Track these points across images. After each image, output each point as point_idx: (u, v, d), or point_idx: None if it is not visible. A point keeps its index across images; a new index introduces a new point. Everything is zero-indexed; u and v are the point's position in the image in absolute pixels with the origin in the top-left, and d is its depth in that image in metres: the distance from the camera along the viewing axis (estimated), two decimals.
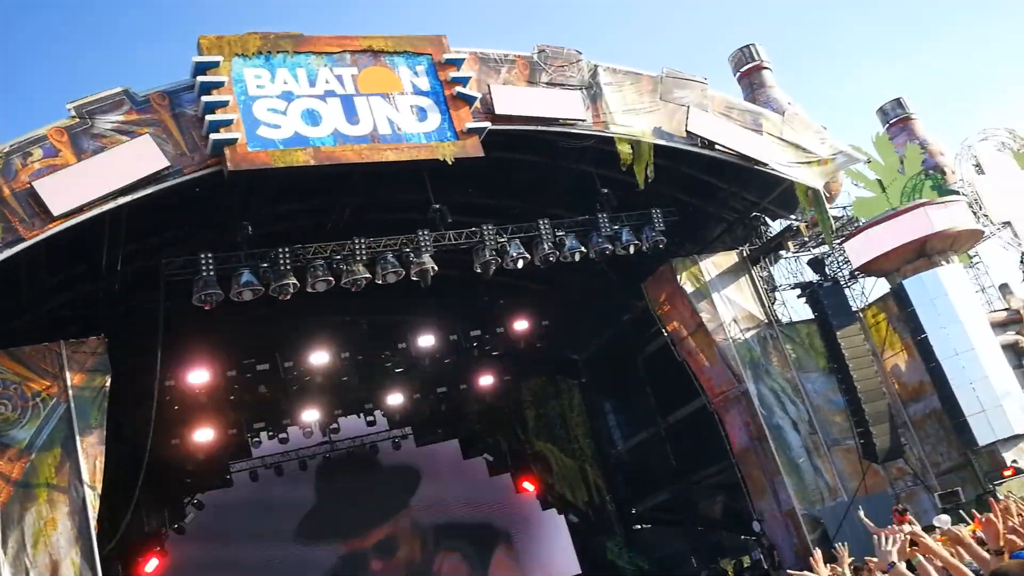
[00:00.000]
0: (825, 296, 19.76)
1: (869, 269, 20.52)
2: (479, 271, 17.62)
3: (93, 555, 14.36)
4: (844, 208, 21.31)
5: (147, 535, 22.50)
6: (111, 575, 18.24)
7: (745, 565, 22.98)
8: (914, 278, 19.62)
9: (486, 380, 26.15)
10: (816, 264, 20.88)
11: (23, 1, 66.30)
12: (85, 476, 14.72)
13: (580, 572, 26.41)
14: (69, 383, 15.13)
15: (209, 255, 15.43)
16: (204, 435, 22.62)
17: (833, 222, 20.40)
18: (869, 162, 20.65)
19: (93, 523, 14.53)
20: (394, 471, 26.83)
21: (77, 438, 14.85)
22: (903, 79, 70.11)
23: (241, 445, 24.43)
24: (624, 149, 17.37)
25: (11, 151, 13.33)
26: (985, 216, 22.12)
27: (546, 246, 17.73)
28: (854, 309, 20.64)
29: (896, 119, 26.36)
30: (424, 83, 16.10)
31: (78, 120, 13.82)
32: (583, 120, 17.09)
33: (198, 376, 20.64)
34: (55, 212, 13.20)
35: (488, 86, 16.45)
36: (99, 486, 14.89)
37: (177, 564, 23.20)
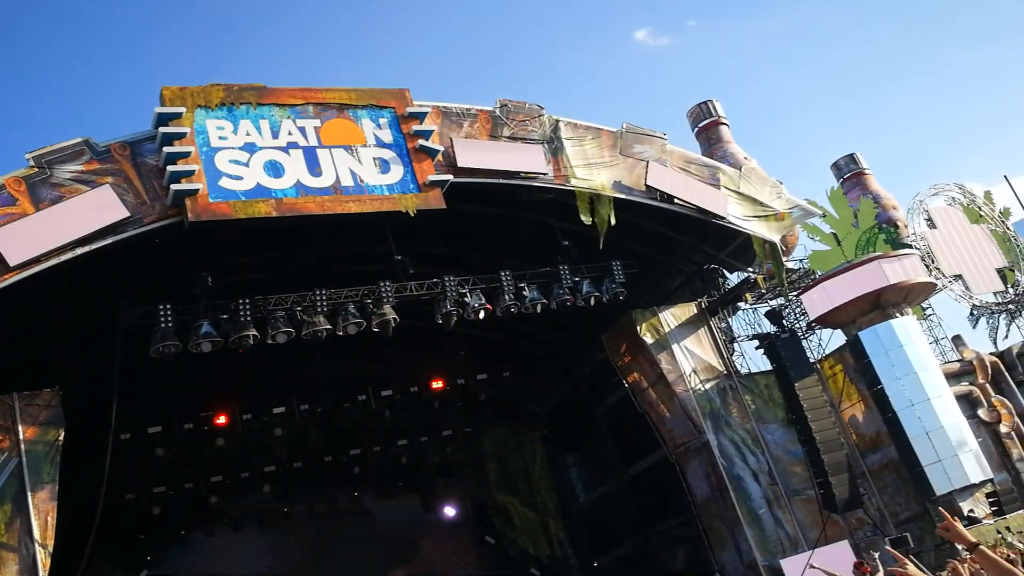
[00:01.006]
0: (783, 348, 20.00)
1: (826, 321, 20.81)
2: (440, 322, 17.62)
3: None
4: (800, 261, 21.69)
5: None
6: None
7: None
8: (869, 330, 19.92)
9: (447, 432, 25.99)
10: (773, 316, 21.17)
11: None
12: (36, 533, 14.33)
13: None
14: (21, 437, 14.78)
15: (168, 307, 15.27)
16: (159, 489, 22.17)
17: (789, 274, 20.74)
18: (824, 216, 21.05)
19: None
20: (356, 527, 26.43)
21: (28, 494, 14.47)
22: (856, 135, 71.85)
23: (198, 500, 23.95)
24: (584, 203, 17.59)
25: None
26: (937, 269, 22.63)
27: (507, 297, 17.80)
28: (811, 360, 20.90)
29: (850, 174, 27.00)
30: (387, 135, 16.23)
31: (36, 170, 13.71)
32: (544, 174, 17.31)
33: (154, 429, 20.28)
34: (11, 263, 13.03)
35: (451, 139, 16.62)
36: (50, 544, 14.48)
37: None
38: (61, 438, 15.14)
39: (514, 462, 27.74)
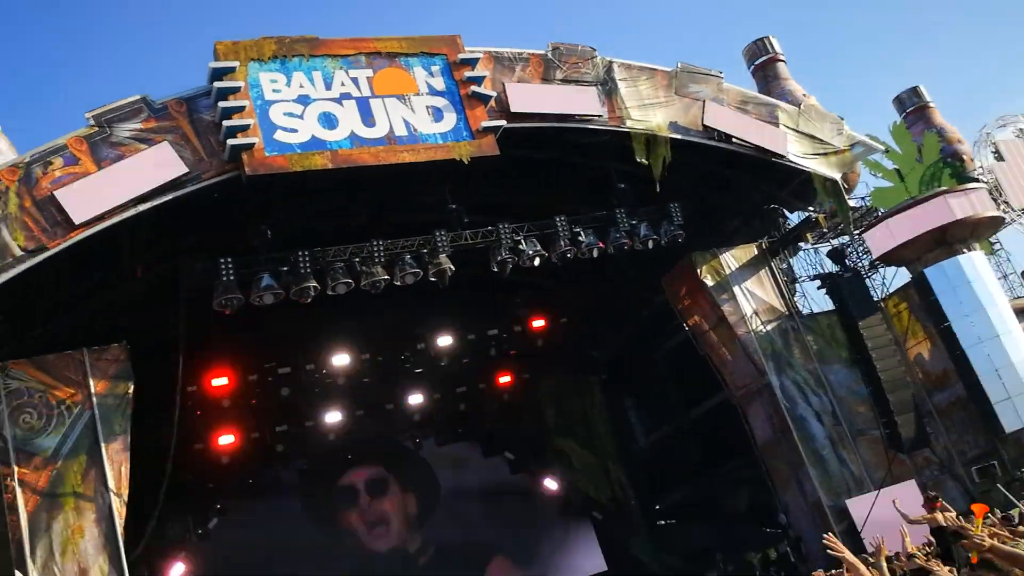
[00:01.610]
0: (845, 287, 19.67)
1: (889, 259, 20.38)
2: (496, 270, 17.61)
3: (121, 562, 14.43)
4: (862, 198, 21.20)
5: (171, 541, 22.56)
6: None
7: (771, 558, 22.85)
8: (935, 266, 19.46)
9: (505, 379, 26.14)
10: (836, 255, 20.78)
11: (38, 11, 66.69)
12: (111, 483, 14.78)
13: (605, 569, 26.33)
14: (93, 391, 15.19)
15: (229, 260, 15.48)
16: (226, 440, 22.69)
17: (851, 213, 20.29)
18: (887, 151, 20.50)
19: (120, 530, 14.59)
20: (417, 472, 26.82)
21: (102, 445, 14.91)
22: (919, 68, 69.70)
23: (264, 448, 24.47)
24: (640, 144, 17.32)
25: (32, 161, 13.41)
26: (1005, 203, 21.96)
27: (563, 243, 17.70)
28: (875, 299, 20.53)
29: (913, 108, 26.21)
30: (439, 83, 16.11)
31: (97, 129, 13.89)
32: (599, 116, 17.06)
33: (220, 381, 20.69)
34: (77, 220, 13.27)
35: (503, 84, 16.44)
36: (125, 493, 14.95)
37: (201, 570, 23.29)
38: (131, 391, 15.53)
39: (573, 407, 27.82)
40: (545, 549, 26.91)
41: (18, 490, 14.01)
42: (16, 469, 14.13)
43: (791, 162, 18.74)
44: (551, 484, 27.70)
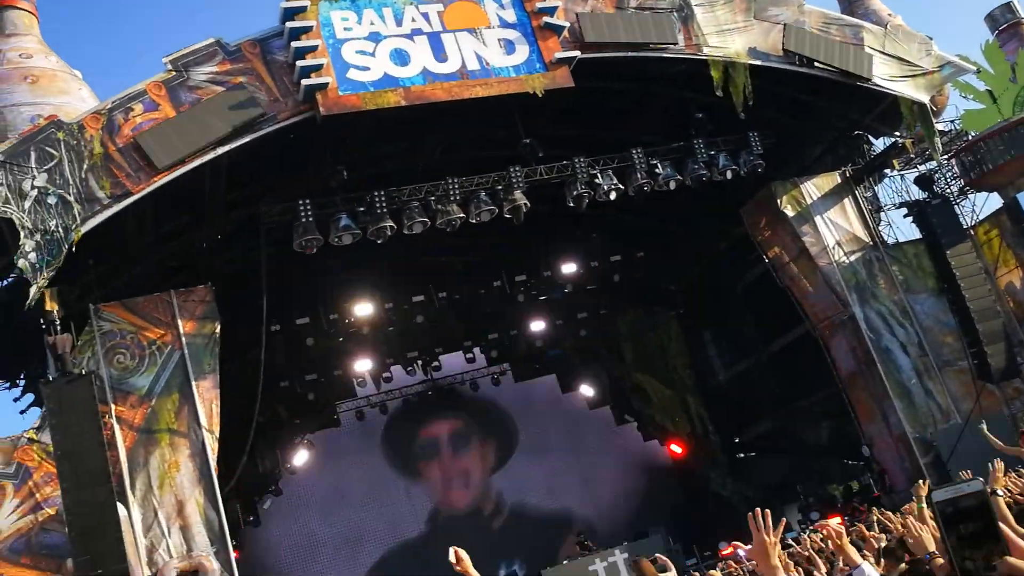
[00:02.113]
0: (933, 214, 19.03)
1: (980, 184, 19.64)
2: (572, 205, 17.47)
3: (215, 495, 14.98)
4: (952, 122, 20.37)
5: (263, 476, 23.36)
6: (231, 514, 19.02)
7: (854, 490, 22.66)
8: None
9: (582, 314, 26.14)
10: (923, 181, 20.06)
11: None
12: (203, 420, 15.28)
13: (686, 501, 26.44)
14: (182, 331, 15.63)
15: (307, 201, 15.66)
16: (310, 377, 23.25)
17: (940, 137, 19.53)
18: (978, 72, 19.62)
19: (213, 465, 15.13)
20: (497, 421, 27.14)
21: (193, 384, 15.40)
22: None
23: (347, 385, 25.03)
24: (718, 72, 16.85)
25: (113, 107, 13.67)
26: None
27: (639, 176, 17.44)
28: (964, 227, 19.83)
29: (1006, 25, 24.83)
30: (511, 15, 15.85)
31: (174, 73, 14.07)
32: (675, 43, 16.61)
33: (302, 320, 21.13)
34: (159, 165, 13.52)
35: (576, 14, 16.09)
36: (216, 430, 15.45)
37: (291, 503, 24.11)
38: (218, 331, 15.94)
39: (650, 341, 27.71)
40: (622, 485, 27.12)
41: (116, 427, 14.59)
42: (113, 407, 14.70)
43: (877, 85, 18.03)
44: (627, 417, 27.79)
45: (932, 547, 4.13)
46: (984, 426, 12.43)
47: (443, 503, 26.12)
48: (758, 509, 3.35)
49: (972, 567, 1.72)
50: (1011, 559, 1.68)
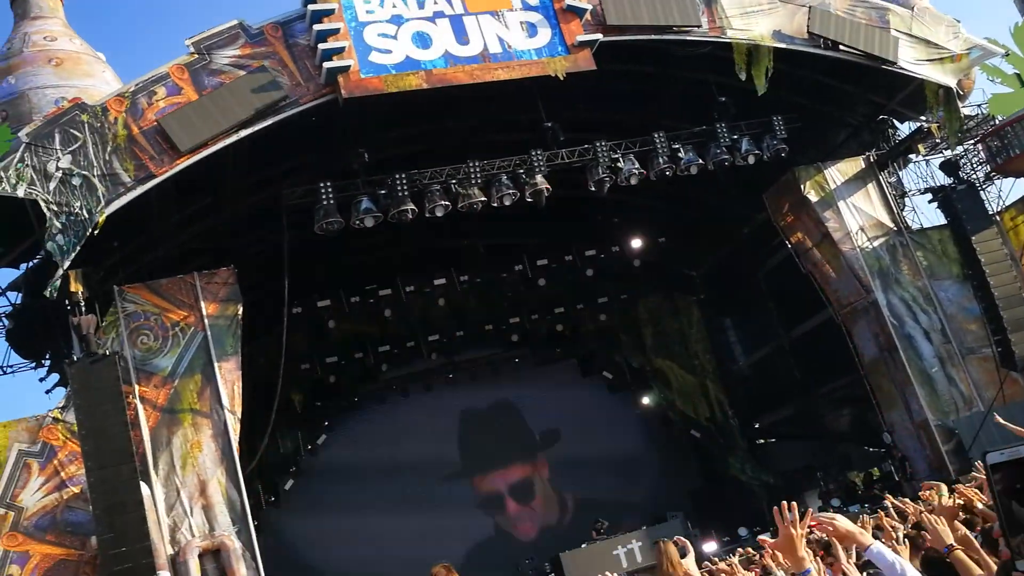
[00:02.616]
0: (959, 200, 18.86)
1: (1007, 170, 19.40)
2: (593, 189, 17.42)
3: (237, 475, 15.12)
4: (979, 106, 20.09)
5: (284, 457, 23.52)
6: (252, 494, 19.21)
7: (875, 477, 22.56)
8: None
9: (602, 299, 26.10)
10: (949, 167, 19.85)
11: None
12: (225, 401, 15.41)
13: (704, 486, 26.42)
14: (205, 313, 15.75)
15: (328, 184, 15.72)
16: (332, 359, 23.36)
17: (966, 121, 19.30)
18: (1007, 55, 19.30)
19: (235, 445, 15.27)
20: (512, 393, 27.16)
21: (215, 365, 15.51)
22: None
23: (367, 368, 25.11)
24: (741, 55, 16.73)
25: (136, 90, 13.76)
26: None
27: (661, 160, 17.37)
28: (990, 212, 19.61)
29: None
30: None
31: (197, 56, 14.14)
32: (698, 26, 16.49)
33: (323, 302, 21.24)
34: (182, 148, 13.61)
35: None
36: (238, 411, 15.58)
37: (312, 484, 24.27)
38: (240, 313, 16.05)
39: (670, 326, 27.64)
40: (640, 469, 27.11)
41: (140, 407, 14.74)
42: (137, 387, 14.85)
43: (903, 69, 17.84)
44: (648, 402, 27.75)
45: (950, 540, 4.11)
46: (997, 416, 12.36)
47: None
48: (784, 502, 3.33)
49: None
50: None
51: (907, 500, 9.29)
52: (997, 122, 19.24)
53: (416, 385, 25.98)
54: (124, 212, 13.58)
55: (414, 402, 26.09)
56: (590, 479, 26.50)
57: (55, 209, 12.93)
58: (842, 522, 3.39)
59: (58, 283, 13.06)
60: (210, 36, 14.26)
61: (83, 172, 13.22)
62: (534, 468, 26.54)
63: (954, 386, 18.60)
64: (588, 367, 27.87)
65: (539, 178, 16.62)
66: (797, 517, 3.30)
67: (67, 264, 12.97)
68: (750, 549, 13.99)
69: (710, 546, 19.26)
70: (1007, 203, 20.26)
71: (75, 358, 13.81)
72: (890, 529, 4.94)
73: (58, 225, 12.94)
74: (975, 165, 20.27)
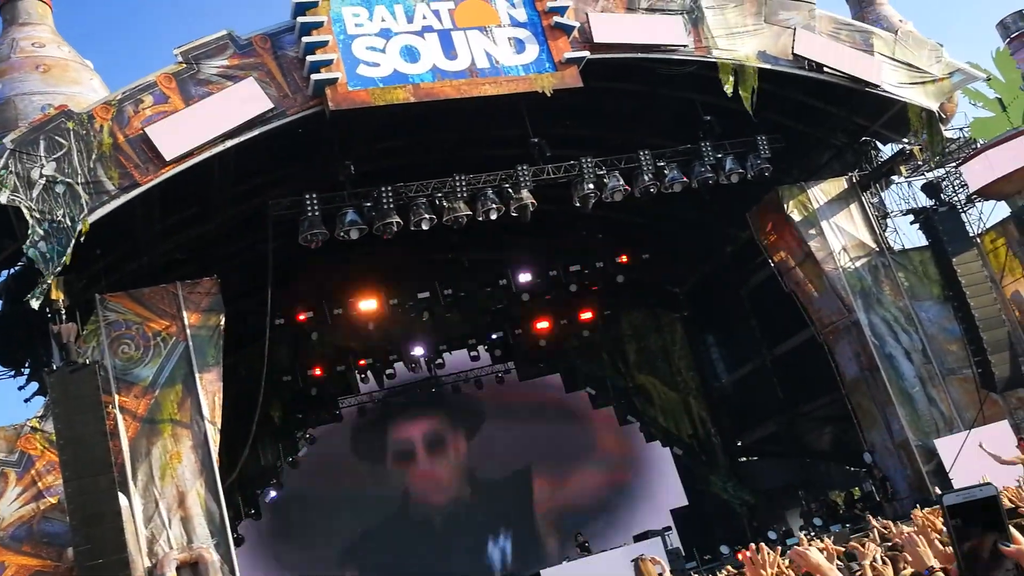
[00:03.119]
0: (940, 222, 19.02)
1: (988, 192, 19.59)
2: (578, 205, 17.48)
3: (217, 487, 15.01)
4: (961, 130, 20.31)
5: (264, 469, 23.40)
6: (232, 507, 19.09)
7: (856, 496, 22.64)
8: None
9: (586, 315, 26.17)
10: (931, 189, 20.04)
11: None
12: (205, 412, 15.31)
13: (686, 504, 26.44)
14: (187, 323, 15.66)
15: (314, 195, 15.69)
16: (314, 371, 23.30)
17: (948, 144, 19.51)
18: (988, 80, 19.56)
19: (215, 457, 15.16)
20: (499, 407, 27.17)
21: (196, 375, 15.42)
22: None
23: (349, 381, 25.06)
24: (727, 75, 16.86)
25: (123, 99, 13.73)
26: None
27: (646, 177, 17.44)
28: (971, 234, 19.80)
29: (1018, 32, 24.87)
30: (521, 14, 15.88)
31: (185, 66, 14.13)
32: (684, 46, 16.62)
33: (306, 314, 21.18)
34: (167, 157, 13.58)
35: (586, 14, 16.11)
36: (219, 421, 15.48)
37: (293, 495, 24.15)
38: (222, 323, 15.97)
39: (654, 343, 27.73)
40: (623, 486, 27.12)
41: (119, 417, 14.63)
42: (117, 397, 14.73)
43: (886, 92, 18.03)
44: (630, 418, 27.78)
45: (931, 562, 4.13)
46: (982, 444, 12.50)
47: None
48: (752, 545, 3.37)
49: (979, 565, 1.74)
50: (1013, 547, 1.71)
51: (889, 522, 9.34)
52: (979, 145, 19.45)
53: (398, 398, 25.97)
54: (108, 220, 13.52)
55: (396, 415, 26.08)
56: (573, 495, 26.52)
57: (37, 216, 12.87)
58: (813, 555, 3.41)
59: (42, 291, 12.97)
60: (198, 46, 14.25)
61: (67, 179, 13.16)
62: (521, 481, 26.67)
63: (935, 406, 18.70)
64: (571, 382, 27.90)
65: (525, 193, 16.66)
66: (767, 559, 3.33)
67: (49, 278, 12.90)
68: (730, 567, 13.98)
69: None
70: (987, 225, 20.47)
71: (55, 367, 13.73)
72: (864, 551, 4.98)
73: (40, 232, 12.87)
74: (956, 187, 20.47)
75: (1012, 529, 1.75)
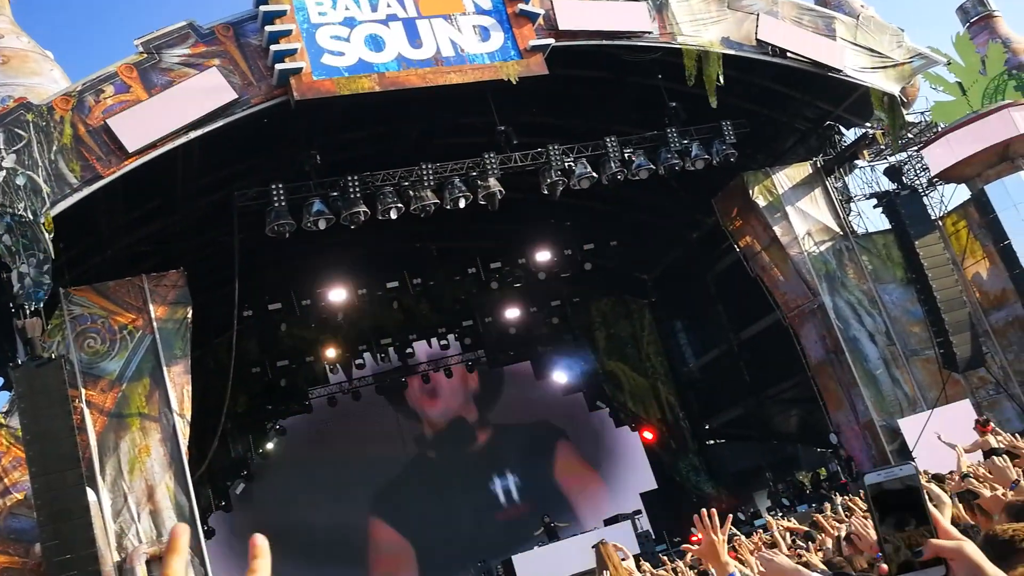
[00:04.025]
0: (902, 205, 19.26)
1: (949, 176, 19.88)
2: (546, 192, 17.52)
3: (186, 480, 14.95)
4: (922, 113, 20.57)
5: (234, 461, 23.30)
6: (202, 499, 19.01)
7: (822, 477, 22.96)
8: (996, 183, 19.00)
9: (555, 302, 26.26)
10: (893, 172, 20.30)
11: None
12: (174, 405, 15.23)
13: (656, 488, 26.68)
14: (153, 315, 15.56)
15: (280, 186, 15.59)
16: (282, 363, 23.21)
17: (910, 128, 19.76)
18: (949, 64, 19.83)
19: (184, 449, 15.09)
20: (466, 397, 27.27)
21: (164, 368, 15.33)
22: None
23: (319, 371, 24.99)
24: (691, 60, 16.94)
25: (84, 89, 13.55)
26: None
27: (613, 164, 17.49)
28: (933, 217, 20.10)
29: (977, 17, 25.11)
30: (486, 2, 15.84)
31: (146, 56, 13.95)
32: (649, 32, 16.67)
33: (275, 305, 21.08)
34: (130, 148, 13.43)
35: (551, 2, 16.08)
36: (188, 414, 15.41)
37: (264, 487, 24.07)
38: (189, 316, 15.88)
39: (622, 329, 27.90)
40: (593, 471, 27.33)
41: (86, 411, 14.51)
42: (83, 391, 14.62)
43: (848, 76, 18.21)
44: (599, 404, 27.96)
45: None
46: (940, 435, 12.79)
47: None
48: (703, 510, 3.41)
49: (898, 549, 1.74)
50: (935, 540, 1.72)
51: (857, 499, 9.50)
52: (940, 129, 19.72)
53: (368, 389, 25.92)
54: (71, 213, 13.35)
55: (366, 405, 26.03)
56: (544, 480, 26.67)
57: None
58: (780, 559, 3.45)
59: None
60: (160, 36, 14.08)
61: (27, 172, 12.98)
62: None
63: (898, 387, 18.99)
64: (541, 370, 28.02)
65: (492, 181, 16.66)
66: (717, 524, 3.37)
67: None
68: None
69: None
70: (949, 208, 20.78)
71: (19, 362, 13.54)
72: (830, 528, 5.07)
73: (2, 226, 12.70)
74: (918, 171, 20.75)
75: (937, 514, 1.75)
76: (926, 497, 1.75)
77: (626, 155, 17.62)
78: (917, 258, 18.90)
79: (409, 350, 25.56)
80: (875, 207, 20.10)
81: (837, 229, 19.81)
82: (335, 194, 15.95)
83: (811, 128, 20.34)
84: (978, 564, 1.69)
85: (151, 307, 15.58)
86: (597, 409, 27.99)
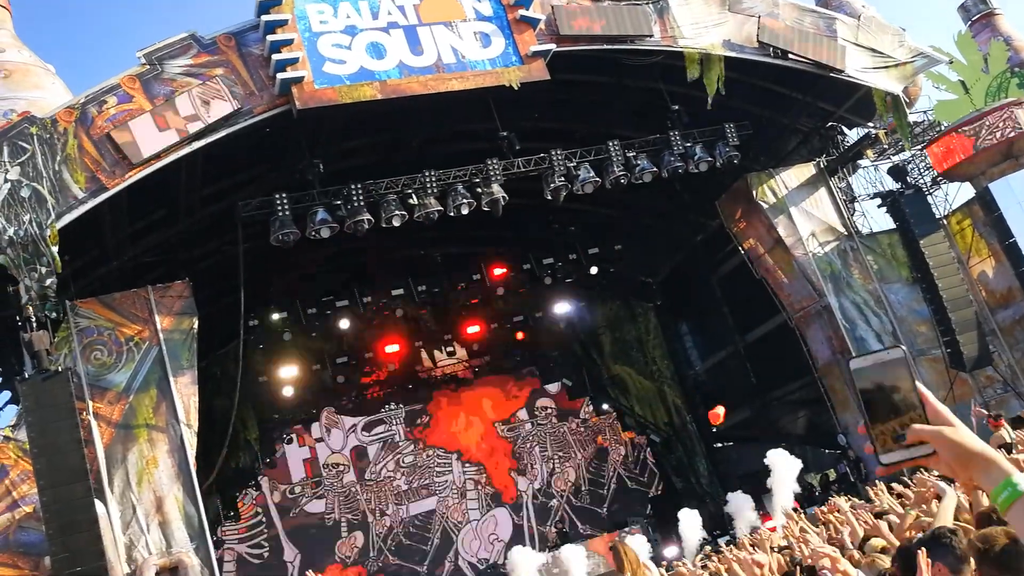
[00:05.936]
0: (907, 204, 19.21)
1: (953, 174, 19.85)
2: (549, 197, 17.51)
3: (194, 490, 14.95)
4: (925, 112, 20.56)
5: (242, 471, 23.28)
6: (210, 509, 18.99)
7: (831, 478, 22.87)
8: (1001, 181, 18.96)
9: (561, 307, 26.25)
10: (897, 172, 20.26)
11: None
12: (181, 415, 15.23)
13: (662, 493, 26.61)
14: (159, 327, 15.56)
15: (284, 195, 15.60)
16: (289, 372, 23.21)
17: (913, 127, 19.73)
18: (951, 63, 19.81)
19: (192, 460, 15.09)
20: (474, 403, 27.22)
21: (171, 379, 15.33)
22: None
23: (325, 380, 24.96)
24: (693, 64, 16.94)
25: (87, 101, 13.58)
26: None
27: (616, 168, 17.48)
28: (937, 216, 20.04)
29: (979, 15, 25.09)
30: (487, 8, 15.86)
31: (148, 67, 13.98)
32: (651, 36, 16.67)
33: (280, 315, 21.08)
34: (134, 160, 13.45)
35: (552, 7, 16.12)
36: (195, 425, 15.40)
37: (271, 497, 24.04)
38: (195, 326, 15.89)
39: (628, 333, 27.88)
40: (601, 475, 27.27)
41: (94, 423, 14.51)
42: (91, 404, 14.62)
43: (851, 77, 18.19)
44: (606, 408, 27.92)
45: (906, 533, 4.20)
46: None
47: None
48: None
49: (884, 434, 1.74)
50: (917, 426, 1.71)
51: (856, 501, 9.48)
52: (943, 128, 19.69)
53: (374, 397, 25.89)
54: (76, 225, 13.37)
55: (372, 414, 26.01)
56: (553, 487, 26.61)
57: (3, 223, 12.71)
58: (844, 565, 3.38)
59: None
60: (161, 48, 14.11)
61: (32, 184, 13.00)
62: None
63: None
64: (548, 374, 27.99)
65: (495, 187, 16.67)
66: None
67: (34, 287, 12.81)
68: (708, 548, 14.14)
69: (671, 551, 19.39)
70: (953, 207, 20.74)
71: (27, 375, 13.58)
72: (837, 524, 5.06)
73: (6, 239, 12.72)
74: (922, 170, 20.71)
75: (927, 393, 1.74)
76: (915, 380, 1.74)
77: (629, 159, 17.61)
78: (922, 257, 18.85)
79: (415, 356, 25.51)
80: (879, 207, 20.07)
81: (841, 229, 19.78)
82: (339, 202, 15.95)
83: (814, 129, 20.32)
84: (959, 443, 1.69)
85: (157, 318, 15.59)
86: (604, 414, 27.93)
